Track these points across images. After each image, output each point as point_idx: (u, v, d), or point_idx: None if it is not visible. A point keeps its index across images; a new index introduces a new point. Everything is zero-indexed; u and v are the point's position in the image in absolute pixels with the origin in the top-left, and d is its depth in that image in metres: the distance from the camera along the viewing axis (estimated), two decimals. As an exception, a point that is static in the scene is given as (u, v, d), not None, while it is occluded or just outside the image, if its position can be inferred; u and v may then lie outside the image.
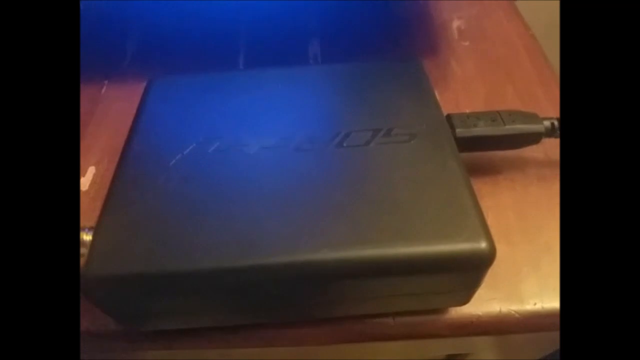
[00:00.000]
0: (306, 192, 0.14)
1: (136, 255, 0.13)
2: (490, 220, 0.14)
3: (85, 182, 0.21)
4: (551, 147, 0.21)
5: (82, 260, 0.15)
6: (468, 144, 0.18)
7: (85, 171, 0.21)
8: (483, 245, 0.13)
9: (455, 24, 0.29)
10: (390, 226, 0.13)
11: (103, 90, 0.25)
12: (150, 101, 0.18)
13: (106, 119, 0.24)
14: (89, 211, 0.19)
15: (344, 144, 0.16)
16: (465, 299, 0.15)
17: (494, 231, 0.13)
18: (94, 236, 0.14)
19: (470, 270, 0.13)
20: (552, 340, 0.24)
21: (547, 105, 0.24)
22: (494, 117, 0.19)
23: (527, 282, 0.17)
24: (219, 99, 0.18)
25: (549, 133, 0.19)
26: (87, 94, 0.25)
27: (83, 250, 0.15)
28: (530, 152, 0.21)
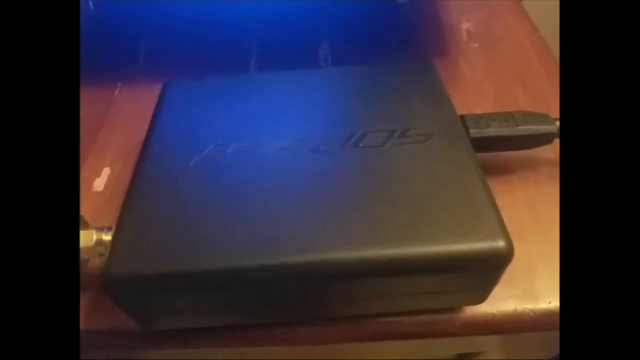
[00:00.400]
0: (324, 193, 0.14)
1: (156, 254, 0.13)
2: (504, 219, 0.14)
3: (100, 183, 0.21)
4: (563, 148, 0.21)
5: (101, 260, 0.16)
6: (482, 145, 0.18)
7: (100, 172, 0.21)
8: (501, 244, 0.13)
9: (465, 26, 0.29)
10: (409, 225, 0.13)
11: (116, 93, 0.26)
12: (167, 103, 0.18)
13: (120, 121, 0.24)
14: (104, 212, 0.20)
15: (360, 145, 0.16)
16: (482, 298, 0.15)
17: (509, 229, 0.13)
18: (114, 236, 0.14)
19: (488, 269, 0.13)
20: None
21: (558, 106, 0.24)
22: (507, 118, 0.19)
23: (541, 280, 0.17)
24: (235, 102, 0.18)
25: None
26: (101, 97, 0.25)
27: (101, 250, 0.16)
28: (542, 152, 0.21)
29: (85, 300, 0.17)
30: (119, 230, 0.14)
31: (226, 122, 0.17)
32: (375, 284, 0.13)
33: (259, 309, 0.14)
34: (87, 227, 0.16)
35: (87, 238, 0.15)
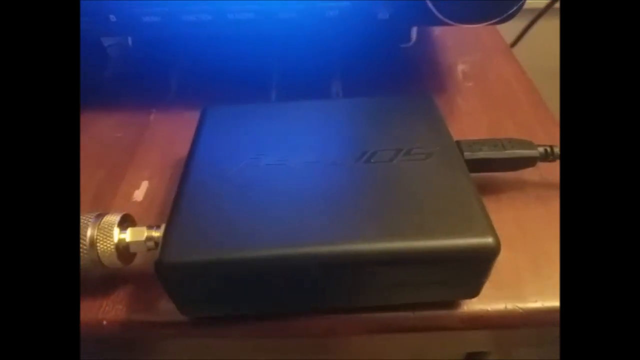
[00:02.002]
0: (343, 197, 0.17)
1: (202, 245, 0.16)
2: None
3: (139, 194, 0.24)
4: (547, 171, 0.24)
5: (149, 254, 0.18)
6: (474, 166, 0.21)
7: (139, 185, 0.24)
8: (490, 239, 0.15)
9: (460, 67, 0.33)
10: (413, 225, 0.16)
11: (151, 117, 0.29)
12: (206, 124, 0.21)
13: (155, 141, 0.27)
14: (143, 218, 0.22)
15: (372, 161, 0.19)
16: (475, 291, 0.17)
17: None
18: (165, 230, 0.16)
19: (479, 260, 0.16)
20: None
21: (543, 137, 0.27)
22: (496, 143, 0.22)
23: (528, 283, 0.19)
24: (263, 124, 0.21)
25: (543, 158, 0.22)
26: (137, 120, 0.29)
27: (150, 245, 0.18)
28: (529, 174, 0.24)
29: (128, 291, 0.19)
30: (170, 225, 0.16)
31: (257, 140, 0.20)
32: (384, 273, 0.16)
33: (285, 295, 0.17)
34: (134, 224, 0.19)
35: (138, 233, 0.18)
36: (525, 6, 0.24)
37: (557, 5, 0.46)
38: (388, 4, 0.24)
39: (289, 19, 0.24)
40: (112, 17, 0.25)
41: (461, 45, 0.36)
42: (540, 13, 0.51)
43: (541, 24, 0.52)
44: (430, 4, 0.22)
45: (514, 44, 0.55)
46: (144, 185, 0.24)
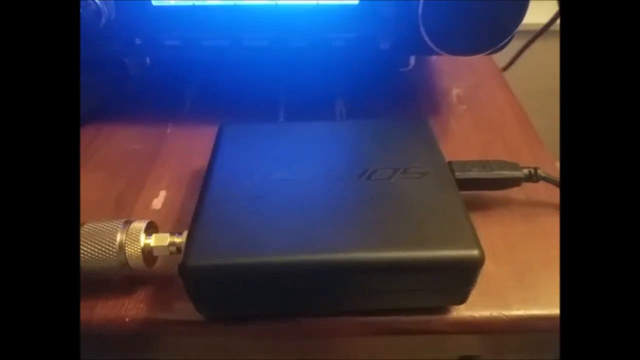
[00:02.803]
0: (346, 210, 0.19)
1: (222, 251, 0.18)
2: (482, 245, 0.18)
3: (157, 202, 0.26)
4: (532, 191, 0.26)
5: (171, 258, 0.20)
6: (465, 184, 0.23)
7: (158, 194, 0.26)
8: (475, 252, 0.17)
9: (455, 91, 0.36)
10: (408, 236, 0.18)
11: (168, 131, 0.31)
12: (223, 141, 0.23)
13: (172, 154, 0.29)
14: (162, 225, 0.24)
15: (372, 178, 0.21)
16: (463, 298, 0.19)
17: (485, 254, 0.18)
18: (189, 237, 0.18)
19: (466, 270, 0.18)
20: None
21: (529, 158, 0.29)
22: (485, 164, 0.24)
23: (512, 293, 0.21)
24: (276, 142, 0.23)
25: (527, 179, 0.24)
26: (155, 134, 0.31)
27: (172, 249, 0.20)
28: (515, 193, 0.26)
29: (148, 292, 0.21)
30: (193, 232, 0.18)
31: (269, 157, 0.22)
32: (381, 280, 0.18)
33: (294, 298, 0.19)
34: (157, 231, 0.21)
35: (162, 239, 0.20)
36: (520, 28, 0.25)
37: (552, 27, 0.48)
38: (389, 36, 0.26)
39: (298, 47, 0.27)
40: (137, 40, 0.27)
41: (456, 70, 0.38)
42: (536, 36, 0.53)
43: (536, 45, 0.55)
44: (426, 38, 0.25)
45: (508, 66, 0.57)
46: (162, 194, 0.26)
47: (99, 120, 0.32)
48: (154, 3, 0.26)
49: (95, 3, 0.25)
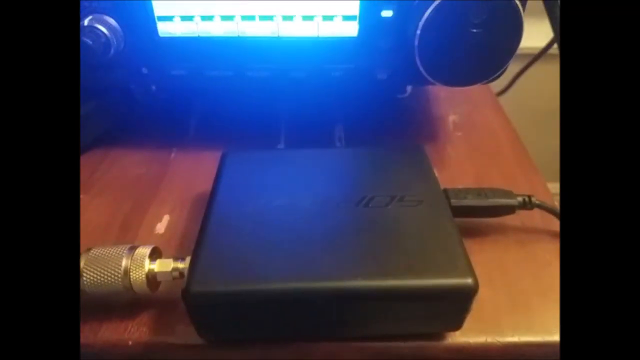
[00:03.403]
0: (344, 238, 0.20)
1: (224, 277, 0.18)
2: (477, 271, 0.19)
3: (161, 227, 0.26)
4: (527, 218, 0.27)
5: (173, 283, 0.21)
6: (460, 212, 0.24)
7: (161, 218, 0.27)
8: (469, 280, 0.18)
9: (451, 118, 0.37)
10: (405, 265, 0.19)
11: (172, 156, 0.32)
12: (225, 168, 0.24)
13: (176, 178, 0.30)
14: (165, 249, 0.24)
15: (370, 205, 0.22)
16: (458, 324, 0.20)
17: (480, 280, 0.19)
18: (191, 263, 0.19)
19: (460, 298, 0.18)
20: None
21: (524, 184, 0.30)
22: (480, 192, 0.25)
23: (506, 319, 0.22)
24: (277, 169, 0.24)
25: (521, 206, 0.25)
26: (159, 159, 0.32)
27: (175, 274, 0.21)
28: (510, 220, 0.26)
29: (151, 315, 0.22)
30: (196, 258, 0.19)
31: (270, 184, 0.23)
32: (378, 306, 0.18)
33: (293, 324, 0.19)
34: (161, 256, 0.22)
35: (165, 265, 0.20)
36: (517, 51, 0.26)
37: (550, 51, 0.50)
38: (386, 67, 0.28)
39: (299, 77, 0.28)
40: (144, 70, 0.28)
41: (452, 96, 0.39)
42: (532, 60, 0.54)
43: (532, 68, 0.56)
44: (422, 70, 0.26)
45: (504, 90, 0.59)
46: (166, 218, 0.27)
47: (106, 145, 0.33)
48: (161, 34, 0.27)
49: (105, 35, 0.26)
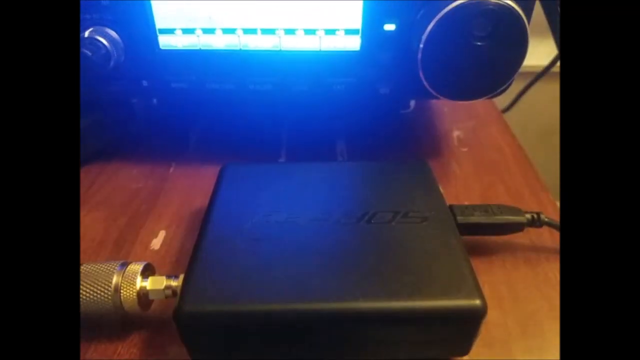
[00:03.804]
0: (345, 256, 0.19)
1: (218, 297, 0.17)
2: (485, 292, 0.18)
3: (156, 242, 0.26)
4: (535, 236, 0.26)
5: (166, 301, 0.20)
6: (467, 229, 0.23)
7: (157, 234, 0.26)
8: (477, 302, 0.17)
9: (455, 133, 0.36)
10: (409, 285, 0.18)
11: (171, 170, 0.31)
12: (224, 182, 0.23)
13: (174, 193, 0.29)
14: (160, 266, 0.24)
15: (372, 221, 0.21)
16: (465, 350, 0.19)
17: (489, 301, 0.18)
18: (184, 281, 0.18)
19: (468, 321, 0.17)
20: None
21: (532, 201, 0.29)
22: (487, 209, 0.24)
23: (516, 343, 0.21)
24: (276, 183, 0.23)
25: (530, 224, 0.24)
26: (158, 173, 0.31)
27: (168, 293, 0.20)
28: (518, 238, 0.25)
29: (142, 336, 0.21)
30: (189, 277, 0.18)
31: (269, 198, 0.22)
32: (381, 330, 0.17)
33: (290, 347, 0.18)
34: (154, 273, 0.21)
35: (158, 282, 0.20)
36: (520, 70, 0.26)
37: (552, 69, 0.49)
38: (389, 81, 0.27)
39: (301, 91, 0.27)
40: (145, 82, 0.28)
41: (456, 111, 0.39)
42: (536, 78, 0.54)
43: (536, 86, 0.56)
44: (426, 83, 0.25)
45: (508, 107, 0.58)
46: (162, 234, 0.26)
47: (104, 159, 0.32)
48: (162, 47, 0.27)
49: (106, 47, 0.26)
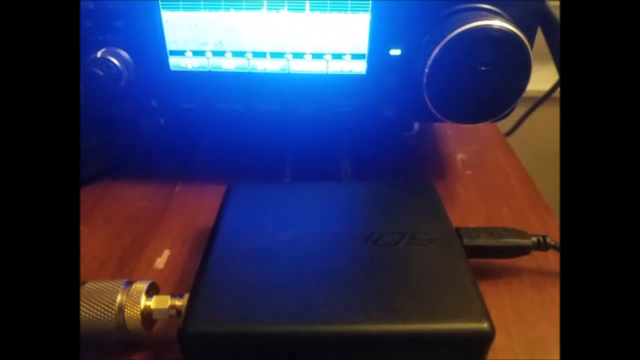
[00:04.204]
0: (352, 277, 0.19)
1: (223, 317, 0.17)
2: (492, 316, 0.18)
3: (160, 262, 0.26)
4: (541, 259, 0.26)
5: (170, 321, 0.20)
6: (473, 252, 0.23)
7: (161, 253, 0.26)
8: (485, 325, 0.17)
9: (459, 156, 0.36)
10: (416, 308, 0.17)
11: (176, 189, 0.32)
12: (230, 201, 0.23)
13: (179, 212, 0.29)
14: (163, 286, 0.24)
15: (379, 242, 0.21)
16: (473, 375, 0.18)
17: (496, 325, 0.17)
18: (189, 301, 0.18)
19: (476, 345, 0.17)
20: None
21: (537, 225, 0.29)
22: (493, 231, 0.24)
23: (524, 369, 0.20)
24: (282, 203, 0.23)
25: (536, 247, 0.24)
26: (164, 191, 0.31)
27: (172, 312, 0.20)
28: (524, 262, 0.25)
29: (144, 356, 0.20)
30: (194, 297, 0.18)
31: (275, 218, 0.22)
32: (386, 354, 0.17)
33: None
34: (159, 292, 0.21)
35: (162, 302, 0.19)
36: (523, 94, 0.26)
37: (554, 94, 0.50)
38: (394, 103, 0.27)
39: (307, 112, 0.28)
40: (154, 102, 0.29)
41: (460, 134, 0.39)
42: (539, 102, 0.55)
43: (539, 111, 0.57)
44: (431, 107, 0.26)
45: (511, 131, 0.59)
46: (166, 253, 0.26)
47: (110, 177, 0.32)
48: (172, 68, 0.28)
49: (117, 67, 0.27)
